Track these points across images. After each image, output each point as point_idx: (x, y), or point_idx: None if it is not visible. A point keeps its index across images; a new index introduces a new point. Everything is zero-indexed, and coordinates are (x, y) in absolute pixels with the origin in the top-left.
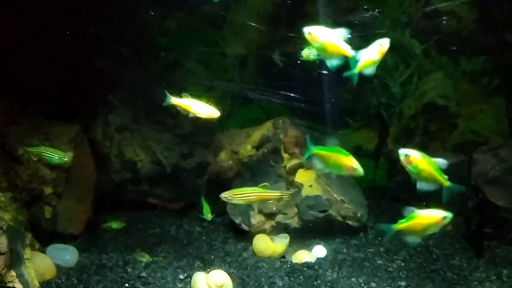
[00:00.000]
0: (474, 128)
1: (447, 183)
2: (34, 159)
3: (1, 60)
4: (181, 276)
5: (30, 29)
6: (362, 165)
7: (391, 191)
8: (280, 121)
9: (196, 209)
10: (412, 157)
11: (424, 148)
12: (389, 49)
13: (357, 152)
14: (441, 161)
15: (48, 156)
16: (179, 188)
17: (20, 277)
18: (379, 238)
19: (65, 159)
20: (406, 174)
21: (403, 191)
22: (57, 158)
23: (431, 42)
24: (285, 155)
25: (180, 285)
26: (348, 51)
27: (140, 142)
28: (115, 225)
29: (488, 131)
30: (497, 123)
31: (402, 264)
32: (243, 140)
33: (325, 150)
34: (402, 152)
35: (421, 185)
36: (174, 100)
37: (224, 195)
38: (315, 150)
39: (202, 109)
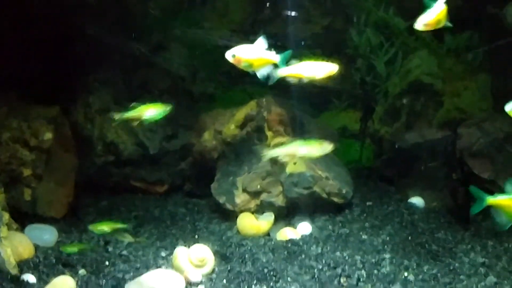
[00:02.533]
0: (460, 105)
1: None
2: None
3: None
4: (163, 254)
5: (8, 12)
6: (348, 146)
7: (377, 171)
8: (264, 100)
9: (181, 192)
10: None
11: (410, 128)
12: (373, 27)
13: (342, 133)
14: None
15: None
16: (163, 171)
17: None
18: (364, 214)
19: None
20: (392, 154)
21: (390, 171)
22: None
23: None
24: (269, 133)
25: (161, 262)
26: (274, 58)
27: (122, 124)
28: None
29: (473, 107)
30: (482, 100)
31: (387, 238)
32: (227, 120)
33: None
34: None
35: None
36: (282, 72)
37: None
38: (490, 200)
39: (317, 69)
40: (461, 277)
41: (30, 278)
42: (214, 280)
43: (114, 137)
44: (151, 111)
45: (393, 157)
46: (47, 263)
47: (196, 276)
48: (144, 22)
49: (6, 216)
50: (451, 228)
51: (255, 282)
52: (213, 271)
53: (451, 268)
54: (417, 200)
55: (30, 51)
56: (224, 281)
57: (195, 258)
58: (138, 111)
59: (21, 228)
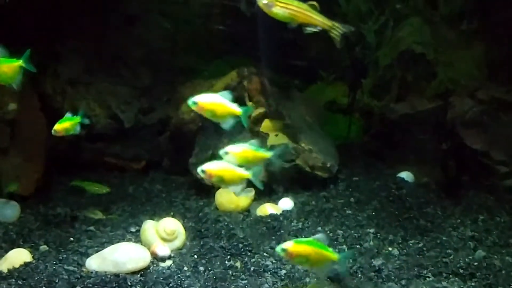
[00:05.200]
0: (453, 76)
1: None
2: None
3: None
4: (133, 229)
5: None
6: (336, 121)
7: (366, 146)
8: (245, 69)
9: (160, 169)
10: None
11: (402, 100)
12: None
13: (330, 107)
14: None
15: None
16: (139, 146)
17: None
18: (350, 189)
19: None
20: (381, 127)
21: (378, 145)
22: None
23: None
24: (250, 104)
25: (129, 237)
26: (236, 109)
27: (95, 96)
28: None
29: (467, 78)
30: (476, 69)
31: (373, 213)
32: (206, 91)
33: None
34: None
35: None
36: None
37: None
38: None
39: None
40: (448, 251)
41: None
42: (183, 255)
43: (85, 109)
44: None
45: (382, 131)
46: (7, 238)
47: (164, 250)
48: None
49: None
50: (441, 203)
51: (228, 257)
52: (183, 246)
53: (438, 242)
54: (406, 175)
55: None
56: (195, 256)
57: (164, 231)
58: None
59: None
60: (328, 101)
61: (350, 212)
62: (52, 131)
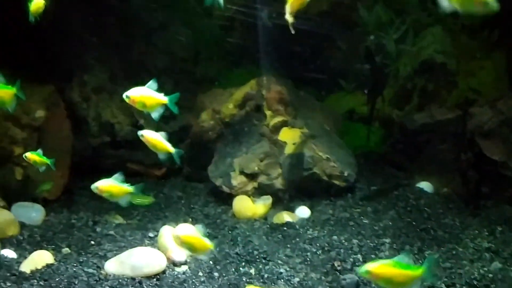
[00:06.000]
0: (474, 86)
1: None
2: None
3: None
4: (151, 235)
5: None
6: (356, 131)
7: (386, 155)
8: (264, 79)
9: (180, 176)
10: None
11: (421, 109)
12: (383, 3)
13: (350, 117)
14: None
15: None
16: None
17: None
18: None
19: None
20: (401, 137)
21: (398, 155)
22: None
23: None
24: (268, 113)
25: (148, 242)
26: (163, 99)
27: (119, 104)
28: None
29: (488, 88)
30: (497, 80)
31: (390, 223)
32: (226, 100)
33: None
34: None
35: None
36: None
37: None
38: None
39: None
40: (464, 262)
41: (10, 253)
42: (199, 261)
43: (109, 117)
44: None
45: (401, 140)
46: (31, 240)
47: (180, 255)
48: (147, 2)
49: None
50: (460, 213)
51: (243, 264)
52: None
53: (454, 253)
54: (425, 185)
55: (25, 29)
56: (211, 262)
57: None
58: None
59: (9, 206)
60: (348, 111)
61: (366, 221)
62: None
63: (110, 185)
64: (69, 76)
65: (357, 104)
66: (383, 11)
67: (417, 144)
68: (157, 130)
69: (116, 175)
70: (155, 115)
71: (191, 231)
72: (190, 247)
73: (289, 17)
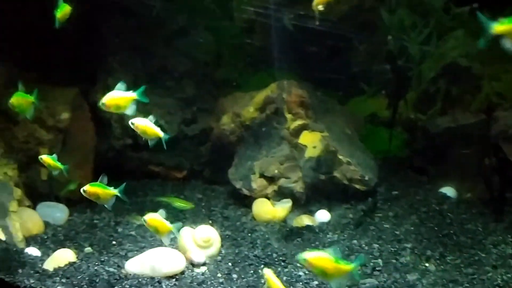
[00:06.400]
0: (499, 90)
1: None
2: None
3: (2, 25)
4: (171, 235)
5: None
6: (378, 135)
7: (408, 160)
8: (285, 82)
9: (200, 178)
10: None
11: (445, 113)
12: (406, 5)
13: (372, 120)
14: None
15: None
16: (182, 156)
17: (4, 228)
18: (389, 203)
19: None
20: (424, 141)
21: (421, 159)
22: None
23: None
24: (289, 116)
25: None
26: (132, 95)
27: (141, 106)
28: None
29: None
30: None
31: (412, 228)
32: (246, 103)
33: None
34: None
35: None
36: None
37: None
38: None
39: None
40: (486, 268)
41: (34, 251)
42: (218, 262)
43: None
44: None
45: (424, 145)
46: (55, 239)
47: (200, 256)
48: (169, 6)
49: (18, 192)
50: (483, 219)
51: (261, 266)
52: (219, 253)
53: (477, 258)
54: (448, 190)
55: (51, 33)
56: (230, 263)
57: (200, 238)
58: None
59: (34, 206)
60: (370, 114)
61: (387, 226)
62: None
63: (97, 188)
64: (93, 79)
65: (379, 108)
66: (406, 13)
67: (440, 148)
68: (178, 132)
69: (100, 178)
70: (129, 112)
71: (158, 217)
72: (155, 229)
73: (317, 7)
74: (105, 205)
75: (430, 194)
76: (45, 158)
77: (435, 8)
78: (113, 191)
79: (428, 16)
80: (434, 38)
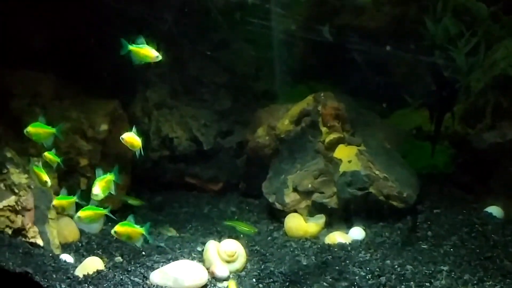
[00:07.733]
0: None
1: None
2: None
3: (49, 39)
4: (199, 248)
5: (72, 8)
6: (422, 149)
7: (453, 176)
8: (322, 94)
9: (236, 191)
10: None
11: (494, 128)
12: (452, 14)
13: (416, 135)
14: None
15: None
16: (218, 168)
17: (43, 234)
18: (429, 222)
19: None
20: (469, 157)
21: (467, 176)
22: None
23: (501, 4)
24: (324, 129)
25: (195, 255)
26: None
27: (178, 119)
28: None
29: None
30: None
31: (451, 249)
32: (282, 115)
33: None
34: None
35: None
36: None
37: None
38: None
39: None
40: None
41: (68, 258)
42: (242, 277)
43: (169, 131)
44: None
45: (470, 161)
46: (89, 247)
47: (223, 271)
48: (209, 19)
49: None
50: None
51: (287, 284)
52: (243, 268)
53: None
54: (494, 210)
55: (92, 47)
56: (253, 280)
57: (224, 252)
58: None
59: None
60: (414, 128)
61: (425, 246)
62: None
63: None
64: (132, 91)
65: (424, 122)
66: (452, 23)
67: (487, 165)
68: (214, 144)
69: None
70: (47, 143)
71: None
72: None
73: None
74: (135, 244)
75: (474, 213)
76: (47, 154)
77: (482, 17)
78: (141, 229)
79: (475, 25)
80: (482, 48)
